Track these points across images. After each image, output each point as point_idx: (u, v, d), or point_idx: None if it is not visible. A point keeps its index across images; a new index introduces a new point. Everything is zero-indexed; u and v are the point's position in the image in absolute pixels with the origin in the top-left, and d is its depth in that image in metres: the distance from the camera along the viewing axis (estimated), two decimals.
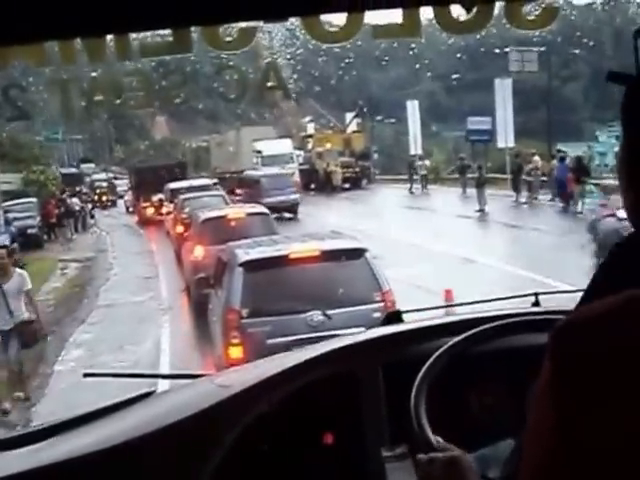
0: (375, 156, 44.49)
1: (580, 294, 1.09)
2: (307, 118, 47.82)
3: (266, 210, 16.09)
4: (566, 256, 13.29)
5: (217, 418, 2.09)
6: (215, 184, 27.68)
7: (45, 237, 28.62)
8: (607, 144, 30.28)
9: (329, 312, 7.79)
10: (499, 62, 36.65)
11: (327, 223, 19.00)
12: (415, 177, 35.28)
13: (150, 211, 30.01)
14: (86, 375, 3.19)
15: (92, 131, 57.79)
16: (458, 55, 42.78)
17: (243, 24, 2.15)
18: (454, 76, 44.71)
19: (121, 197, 42.46)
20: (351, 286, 8.18)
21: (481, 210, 24.86)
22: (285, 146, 38.54)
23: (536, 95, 39.76)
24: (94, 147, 61.06)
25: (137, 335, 12.33)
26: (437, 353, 1.97)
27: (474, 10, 2.04)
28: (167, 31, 2.11)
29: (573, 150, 27.74)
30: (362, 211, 27.70)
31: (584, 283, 1.11)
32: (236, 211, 15.52)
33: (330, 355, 2.27)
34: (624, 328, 0.87)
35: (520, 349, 1.99)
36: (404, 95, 44.02)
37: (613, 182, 11.85)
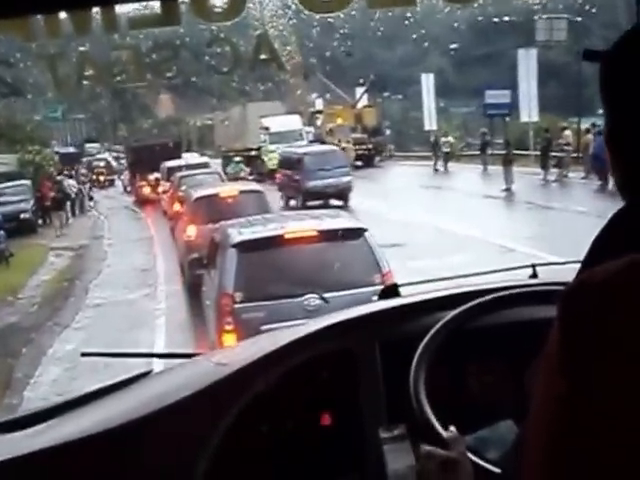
0: (387, 132, 42.82)
1: (577, 265, 1.07)
2: (315, 94, 46.55)
3: (259, 187, 16.08)
4: None
5: (216, 397, 2.06)
6: (239, 162, 27.03)
7: (40, 221, 26.85)
8: None
9: (326, 296, 7.45)
10: (508, 36, 35.33)
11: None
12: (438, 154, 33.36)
13: (147, 190, 30.06)
14: (84, 355, 3.24)
15: (95, 110, 57.69)
16: (463, 28, 41.60)
17: None
18: (453, 46, 43.89)
19: (118, 176, 42.13)
20: (350, 268, 7.85)
21: (508, 189, 22.96)
22: (294, 122, 36.90)
23: (558, 68, 38.12)
24: (97, 126, 60.82)
25: (128, 345, 10.39)
26: (435, 328, 1.96)
27: None
28: (156, 3, 2.09)
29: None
30: (380, 191, 25.74)
31: None
32: (229, 189, 15.34)
33: (325, 332, 2.21)
34: (630, 292, 0.88)
35: (519, 324, 2.00)
36: (411, 71, 43.55)
37: None
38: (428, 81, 37.29)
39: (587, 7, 30.67)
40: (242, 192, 14.56)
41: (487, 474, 1.65)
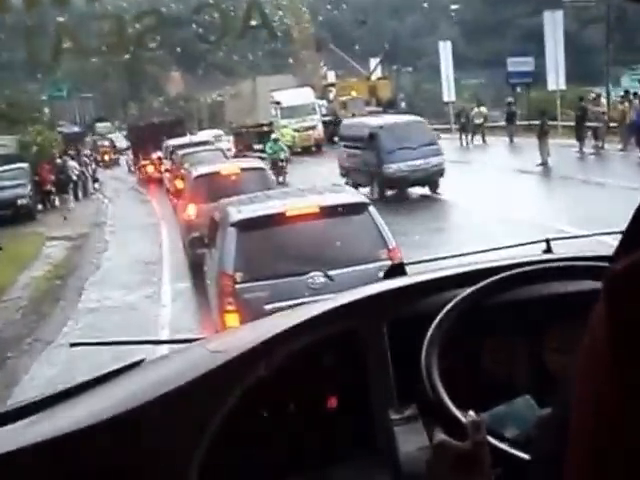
0: (402, 105, 41.18)
1: (591, 239, 1.08)
2: (326, 66, 45.08)
3: (262, 164, 15.49)
4: None
5: (214, 385, 1.91)
6: (276, 140, 25.37)
7: (40, 207, 25.44)
8: None
9: (331, 273, 7.32)
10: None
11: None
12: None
13: (150, 169, 30.06)
14: (73, 345, 3.33)
15: (105, 89, 57.01)
16: None
17: None
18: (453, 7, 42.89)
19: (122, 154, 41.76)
20: (354, 244, 7.74)
21: (544, 163, 21.09)
22: (306, 96, 35.42)
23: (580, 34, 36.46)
24: (106, 105, 59.99)
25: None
26: (447, 307, 1.86)
27: None
28: None
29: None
30: None
31: None
32: (230, 166, 14.85)
33: (330, 313, 2.08)
34: None
35: (532, 300, 1.95)
36: (421, 43, 41.88)
37: None
38: (446, 50, 35.37)
39: None
40: (244, 169, 14.17)
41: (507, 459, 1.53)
